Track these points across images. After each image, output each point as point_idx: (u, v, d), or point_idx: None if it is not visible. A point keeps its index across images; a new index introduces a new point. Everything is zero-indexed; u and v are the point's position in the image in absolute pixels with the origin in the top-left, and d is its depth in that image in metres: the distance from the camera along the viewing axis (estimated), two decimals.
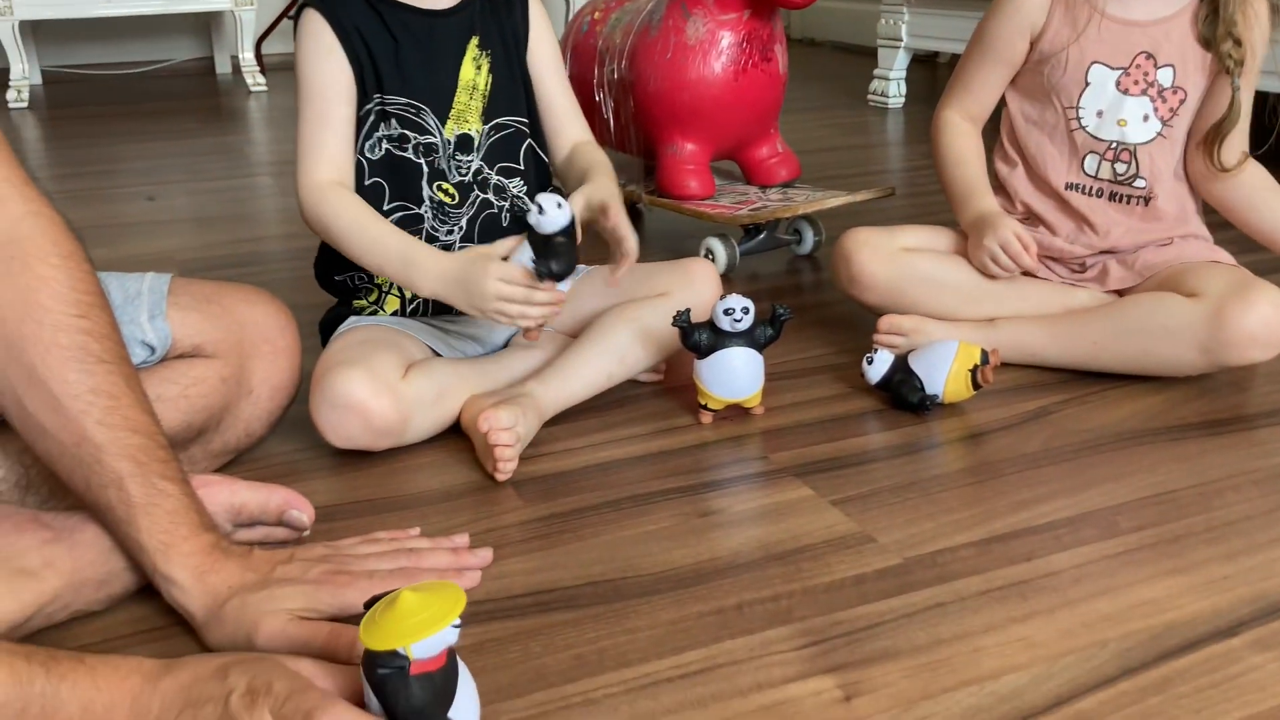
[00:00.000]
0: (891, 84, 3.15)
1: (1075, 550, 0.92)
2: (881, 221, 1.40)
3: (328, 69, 1.10)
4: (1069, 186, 1.29)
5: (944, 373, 1.17)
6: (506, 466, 1.04)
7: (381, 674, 0.62)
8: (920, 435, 1.14)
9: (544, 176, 1.24)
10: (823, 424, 1.17)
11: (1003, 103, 1.35)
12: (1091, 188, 1.29)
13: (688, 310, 1.12)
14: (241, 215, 2.15)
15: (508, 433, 1.04)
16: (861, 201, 1.69)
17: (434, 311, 1.20)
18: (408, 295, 1.19)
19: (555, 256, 1.04)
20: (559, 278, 1.05)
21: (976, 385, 1.17)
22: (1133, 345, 1.21)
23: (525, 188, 1.21)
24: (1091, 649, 0.79)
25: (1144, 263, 1.28)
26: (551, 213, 1.02)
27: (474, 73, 1.17)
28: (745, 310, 1.12)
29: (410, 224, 1.15)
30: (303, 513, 0.91)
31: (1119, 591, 0.86)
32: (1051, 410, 1.19)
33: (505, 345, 1.24)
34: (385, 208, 1.14)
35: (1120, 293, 1.29)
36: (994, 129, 1.37)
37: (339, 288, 1.21)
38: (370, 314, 1.19)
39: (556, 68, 1.24)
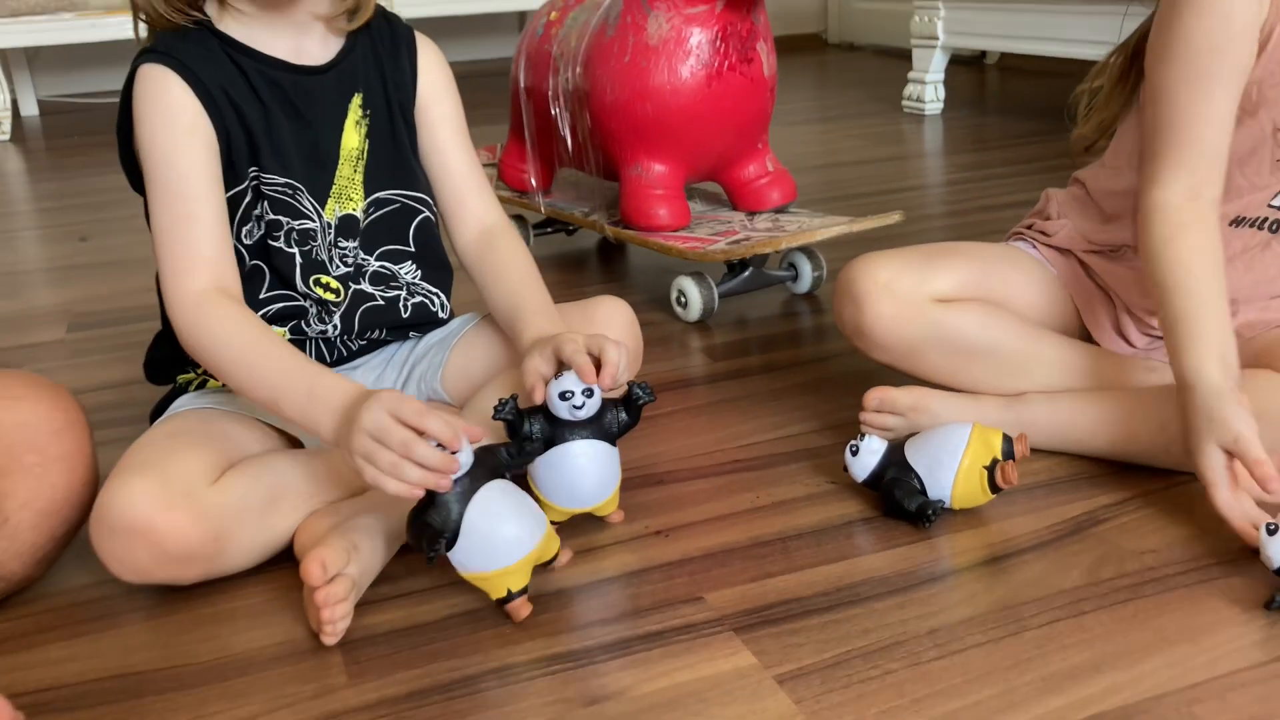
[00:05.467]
0: (928, 88, 2.82)
1: None
2: (898, 245, 1.05)
3: (193, 146, 0.84)
4: (1237, 222, 0.95)
5: (952, 470, 0.87)
6: (334, 630, 0.76)
7: None
8: (917, 560, 0.83)
9: (440, 261, 0.98)
10: (784, 542, 0.87)
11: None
12: (1269, 221, 0.95)
13: (513, 397, 0.83)
14: None
15: (338, 584, 0.75)
16: (861, 231, 1.38)
17: None
18: None
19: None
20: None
21: (995, 487, 0.86)
22: None
23: (419, 273, 0.96)
24: None
25: (1245, 320, 0.95)
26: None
27: (357, 139, 0.92)
28: (588, 393, 0.83)
29: (292, 316, 0.92)
30: None
31: None
32: (1100, 518, 0.87)
33: None
34: (262, 296, 0.90)
35: None
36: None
37: (162, 366, 0.95)
38: (199, 386, 0.93)
39: (456, 124, 0.98)
